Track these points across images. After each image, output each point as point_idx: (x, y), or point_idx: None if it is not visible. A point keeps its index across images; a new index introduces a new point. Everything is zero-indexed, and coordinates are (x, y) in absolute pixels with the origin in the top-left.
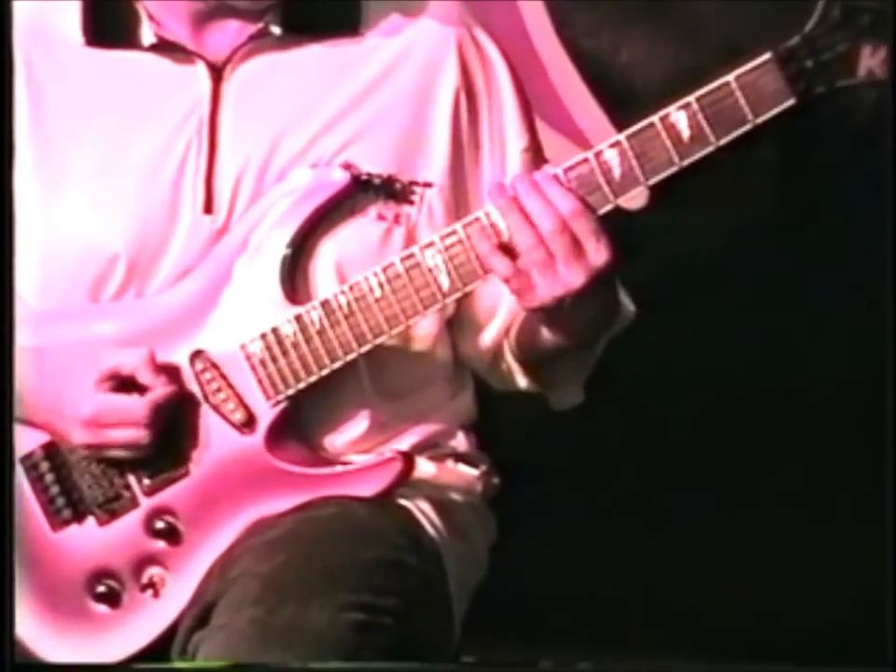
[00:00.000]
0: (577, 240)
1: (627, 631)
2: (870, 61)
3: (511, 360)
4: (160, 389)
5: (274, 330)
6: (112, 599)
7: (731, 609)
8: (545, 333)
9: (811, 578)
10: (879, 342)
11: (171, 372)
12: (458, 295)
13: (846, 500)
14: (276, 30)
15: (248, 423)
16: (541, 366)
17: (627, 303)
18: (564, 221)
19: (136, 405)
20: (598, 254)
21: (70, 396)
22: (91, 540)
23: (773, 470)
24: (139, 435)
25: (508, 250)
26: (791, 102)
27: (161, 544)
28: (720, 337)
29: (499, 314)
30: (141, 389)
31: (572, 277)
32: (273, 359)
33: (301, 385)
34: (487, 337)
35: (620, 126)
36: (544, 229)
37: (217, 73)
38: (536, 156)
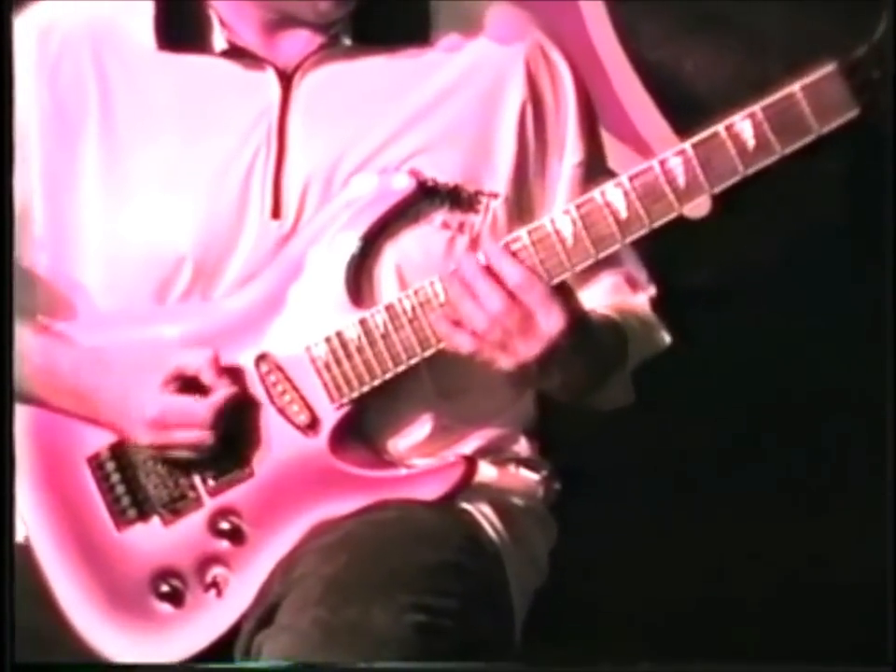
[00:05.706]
0: (528, 313)
1: (686, 635)
2: None
3: None
4: (222, 391)
5: (339, 334)
6: (175, 598)
7: (731, 609)
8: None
9: (811, 577)
10: None
11: (234, 374)
12: None
13: (846, 500)
14: (347, 40)
15: (312, 425)
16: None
17: (662, 335)
18: (512, 297)
19: (200, 407)
20: (550, 323)
21: (135, 397)
22: (155, 540)
23: (775, 470)
24: (203, 436)
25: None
26: (855, 112)
27: (224, 544)
28: (781, 346)
29: None
30: (204, 390)
31: (528, 349)
32: (338, 362)
33: (365, 389)
34: None
35: (683, 136)
36: (494, 309)
37: (286, 80)
38: (591, 170)
